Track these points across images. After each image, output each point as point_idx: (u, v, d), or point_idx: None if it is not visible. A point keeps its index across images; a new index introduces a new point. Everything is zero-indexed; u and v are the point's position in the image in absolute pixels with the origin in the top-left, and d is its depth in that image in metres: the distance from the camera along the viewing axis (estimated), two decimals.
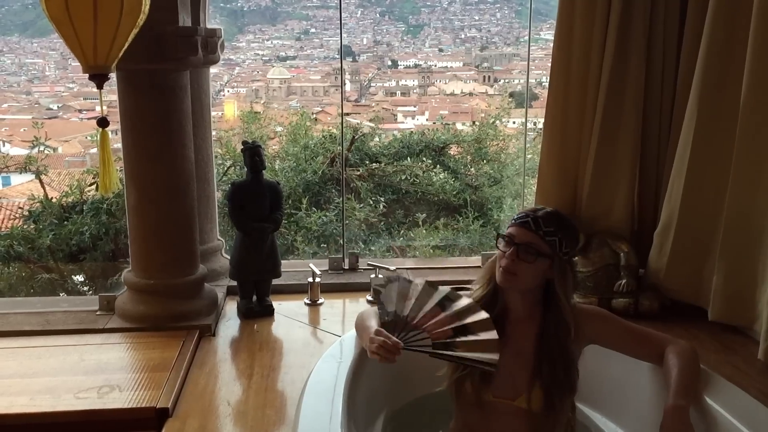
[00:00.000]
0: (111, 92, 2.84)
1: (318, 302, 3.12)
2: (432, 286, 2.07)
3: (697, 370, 2.10)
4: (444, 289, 2.07)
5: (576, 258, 2.99)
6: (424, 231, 6.00)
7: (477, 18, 11.78)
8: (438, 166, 6.54)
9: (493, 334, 1.95)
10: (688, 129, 2.78)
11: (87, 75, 2.21)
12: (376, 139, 6.96)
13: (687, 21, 2.90)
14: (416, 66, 11.60)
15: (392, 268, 3.28)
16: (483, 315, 1.99)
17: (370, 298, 3.15)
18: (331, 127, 7.09)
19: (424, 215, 6.11)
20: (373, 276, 3.19)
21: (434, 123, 8.34)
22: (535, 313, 2.07)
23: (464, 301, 2.04)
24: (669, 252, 2.87)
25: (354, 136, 6.53)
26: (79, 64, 2.21)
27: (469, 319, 1.97)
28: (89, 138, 8.42)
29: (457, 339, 1.94)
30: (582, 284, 2.98)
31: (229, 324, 2.93)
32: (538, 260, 1.97)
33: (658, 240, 2.94)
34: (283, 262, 3.06)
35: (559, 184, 3.12)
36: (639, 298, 2.90)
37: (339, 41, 3.91)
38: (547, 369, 2.02)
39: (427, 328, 1.97)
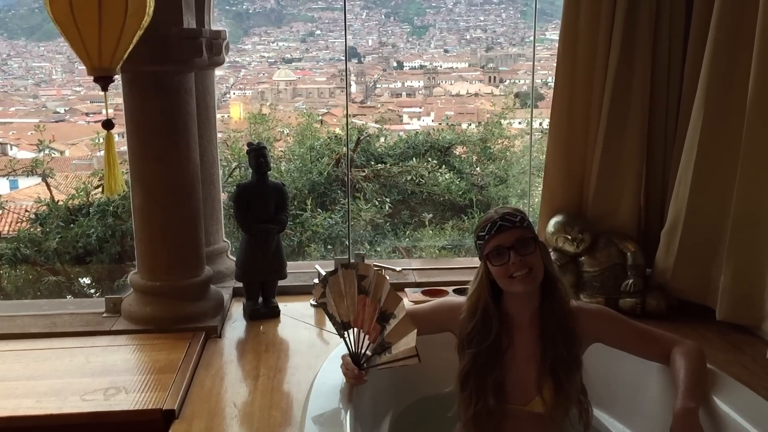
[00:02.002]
0: (117, 95, 2.85)
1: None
2: (348, 267, 2.18)
3: (704, 371, 2.08)
4: (354, 265, 2.18)
5: (582, 258, 3.00)
6: (431, 231, 5.99)
7: (482, 19, 11.77)
8: (443, 166, 6.53)
9: (402, 305, 2.07)
10: (694, 128, 2.77)
11: (92, 77, 2.22)
12: (382, 139, 6.96)
13: (693, 20, 2.88)
14: (422, 67, 11.60)
15: (398, 269, 3.28)
16: (387, 284, 2.10)
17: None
18: (336, 128, 7.10)
19: (431, 215, 6.10)
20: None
21: (440, 124, 8.33)
22: (535, 313, 2.07)
23: (371, 272, 2.13)
24: (676, 251, 2.86)
25: (359, 137, 6.53)
26: (84, 67, 2.22)
27: (383, 296, 2.08)
28: (95, 141, 8.45)
29: (385, 332, 2.07)
30: (589, 284, 2.97)
31: (235, 325, 2.92)
32: (534, 248, 1.99)
33: (665, 239, 2.93)
34: (288, 263, 3.06)
35: (565, 184, 3.11)
36: (646, 298, 2.89)
37: (344, 43, 3.89)
38: (549, 347, 2.02)
39: (365, 329, 2.11)
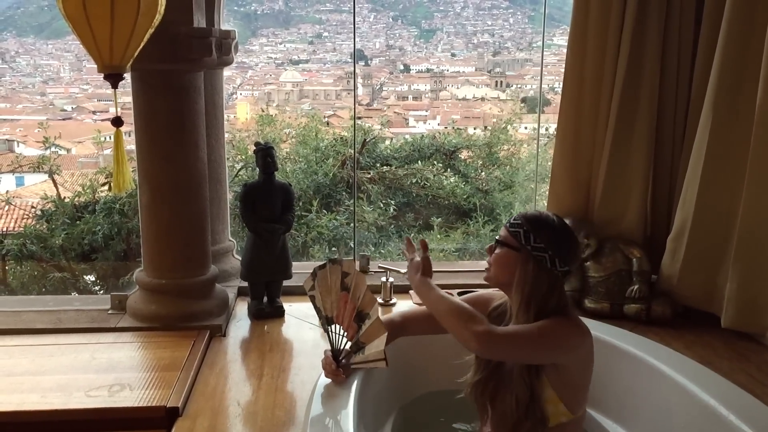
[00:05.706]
0: (125, 94, 2.85)
1: None
2: (335, 262, 2.18)
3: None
4: (339, 261, 2.18)
5: (588, 263, 3.00)
6: (439, 236, 5.99)
7: (490, 23, 11.78)
8: (449, 170, 6.54)
9: (376, 307, 2.09)
10: (702, 134, 2.76)
11: (102, 75, 2.23)
12: (387, 142, 6.97)
13: (702, 27, 2.88)
14: (428, 70, 11.61)
15: (403, 270, 3.28)
16: (364, 283, 2.12)
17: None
18: (342, 130, 7.11)
19: (440, 219, 6.11)
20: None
21: (446, 127, 8.34)
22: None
23: (353, 270, 2.14)
24: (682, 258, 2.85)
25: (366, 139, 6.54)
26: (93, 65, 2.22)
27: (360, 296, 2.10)
28: (103, 139, 8.48)
29: (361, 332, 2.10)
30: (594, 289, 2.97)
31: (240, 324, 2.93)
32: (501, 249, 1.98)
33: (671, 246, 2.92)
34: (294, 263, 3.06)
35: (571, 189, 3.11)
36: (651, 304, 2.88)
37: (352, 45, 3.91)
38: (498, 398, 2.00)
39: (343, 326, 2.14)
